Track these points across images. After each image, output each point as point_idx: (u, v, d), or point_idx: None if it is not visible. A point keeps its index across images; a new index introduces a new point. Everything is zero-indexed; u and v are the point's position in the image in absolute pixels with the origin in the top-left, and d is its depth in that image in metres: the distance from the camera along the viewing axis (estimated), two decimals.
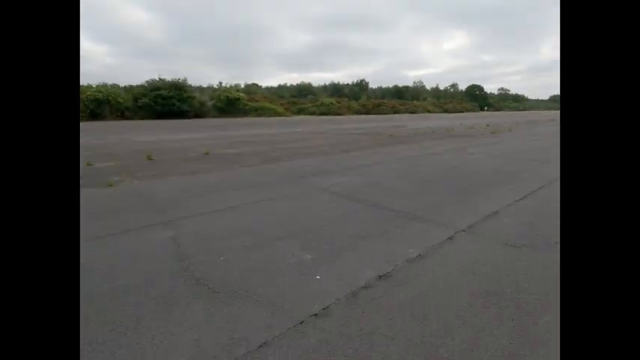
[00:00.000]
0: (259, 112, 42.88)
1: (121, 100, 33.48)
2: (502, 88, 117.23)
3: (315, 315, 2.02)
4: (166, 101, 35.17)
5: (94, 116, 30.88)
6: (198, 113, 38.04)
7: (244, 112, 41.26)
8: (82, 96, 31.06)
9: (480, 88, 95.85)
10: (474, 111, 75.41)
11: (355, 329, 1.90)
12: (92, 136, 15.03)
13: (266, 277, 2.47)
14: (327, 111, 49.64)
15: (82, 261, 2.75)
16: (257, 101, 46.24)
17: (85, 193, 4.88)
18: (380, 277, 2.45)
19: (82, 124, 24.98)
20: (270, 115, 42.40)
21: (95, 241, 3.12)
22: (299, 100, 57.31)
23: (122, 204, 4.36)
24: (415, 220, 3.66)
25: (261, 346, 1.77)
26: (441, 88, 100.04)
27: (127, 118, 34.00)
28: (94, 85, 34.93)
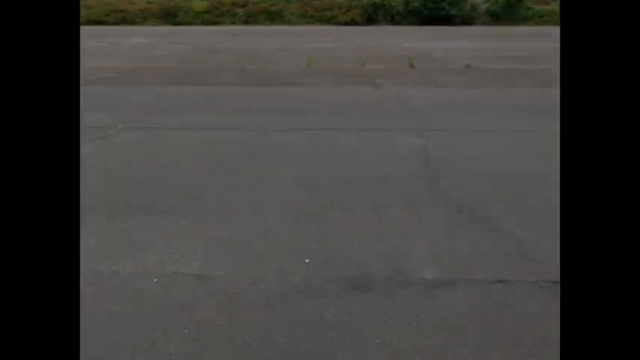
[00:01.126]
0: (545, 19, 33.56)
1: (394, 4, 34.56)
2: None
3: None
4: (437, 5, 33.36)
5: (371, 21, 33.76)
6: (466, 19, 34.17)
7: (523, 19, 33.47)
8: (363, 1, 34.02)
9: None
10: None
11: None
12: (369, 37, 16.83)
13: (515, 212, 2.27)
14: None
15: (348, 150, 3.43)
16: (547, 4, 35.90)
17: (356, 91, 5.78)
18: None
19: (360, 28, 28.23)
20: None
21: (358, 133, 3.77)
22: None
23: (384, 105, 4.90)
24: None
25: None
26: None
27: (396, 23, 35.23)
28: None
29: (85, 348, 1.48)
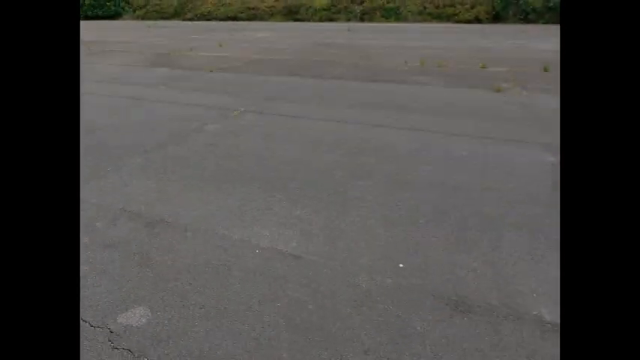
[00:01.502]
0: None
1: (529, 0, 30.38)
2: None
3: None
4: None
5: (498, 19, 30.41)
6: None
7: None
8: None
9: None
10: None
11: None
12: (495, 36, 15.24)
13: None
14: None
15: (455, 156, 3.12)
16: None
17: (473, 94, 5.26)
18: None
19: (484, 26, 25.67)
20: None
21: (470, 140, 3.41)
22: None
23: (506, 112, 4.34)
24: None
25: None
26: None
27: (529, 22, 31.12)
28: None
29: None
